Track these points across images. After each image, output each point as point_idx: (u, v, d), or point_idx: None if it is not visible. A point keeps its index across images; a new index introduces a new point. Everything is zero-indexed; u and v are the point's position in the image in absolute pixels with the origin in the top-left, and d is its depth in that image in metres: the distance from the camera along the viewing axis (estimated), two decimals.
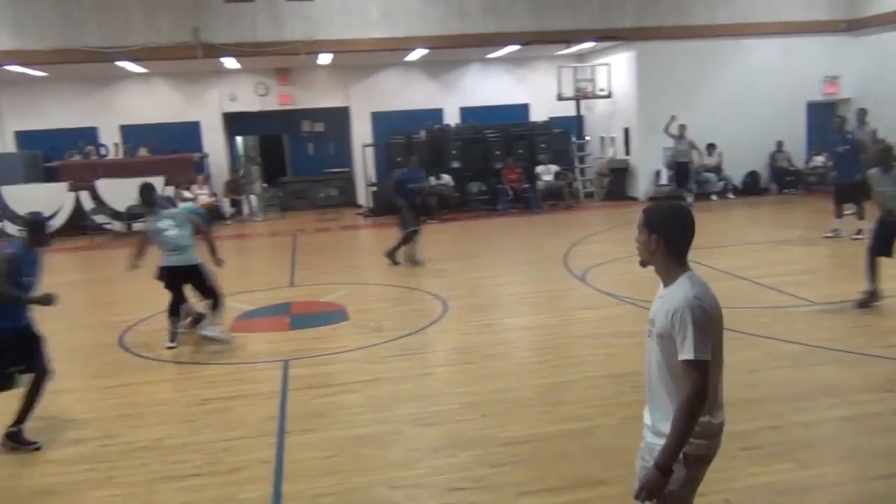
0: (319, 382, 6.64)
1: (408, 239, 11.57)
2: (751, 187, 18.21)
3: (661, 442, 2.75)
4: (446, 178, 17.65)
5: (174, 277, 7.70)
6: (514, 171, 17.79)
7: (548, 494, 4.48)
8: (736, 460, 4.68)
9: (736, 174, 18.14)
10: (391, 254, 11.58)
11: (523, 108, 20.51)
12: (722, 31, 17.16)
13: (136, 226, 17.08)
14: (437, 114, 19.99)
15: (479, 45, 17.01)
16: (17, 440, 5.49)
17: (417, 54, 17.75)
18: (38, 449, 5.46)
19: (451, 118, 20.09)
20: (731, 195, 17.90)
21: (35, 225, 5.62)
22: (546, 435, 5.28)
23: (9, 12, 14.25)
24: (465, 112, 20.20)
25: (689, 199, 16.91)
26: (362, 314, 8.96)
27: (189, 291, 7.94)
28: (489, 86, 20.34)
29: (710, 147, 17.75)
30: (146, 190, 7.78)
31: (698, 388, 2.67)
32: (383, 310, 9.27)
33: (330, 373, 6.99)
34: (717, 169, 17.96)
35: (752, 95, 17.76)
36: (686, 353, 2.68)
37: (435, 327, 8.33)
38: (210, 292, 7.75)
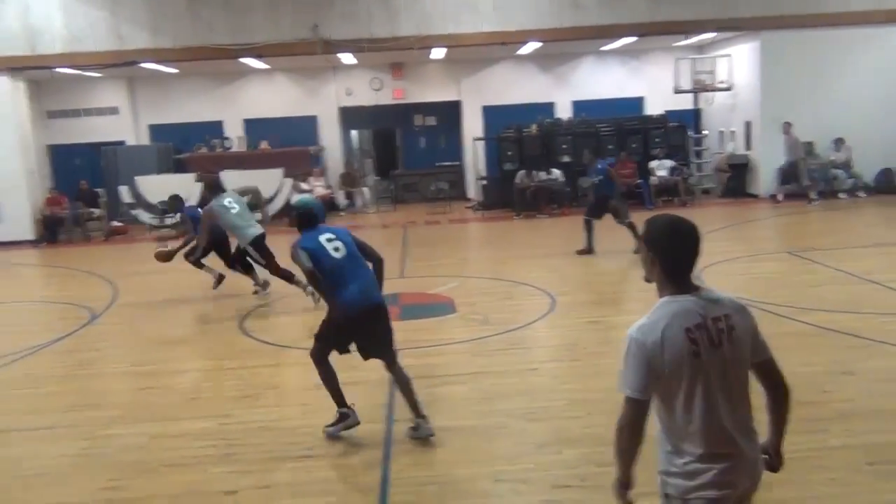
0: (426, 373, 6.73)
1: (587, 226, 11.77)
2: (884, 185, 17.03)
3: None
4: (557, 173, 17.47)
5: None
6: (627, 166, 17.40)
7: (654, 498, 4.33)
8: (861, 474, 4.42)
9: (868, 171, 17.03)
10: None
11: (638, 102, 20.01)
12: (855, 18, 16.10)
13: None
14: (548, 108, 19.81)
15: (594, 38, 16.70)
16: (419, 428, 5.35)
17: (530, 48, 17.64)
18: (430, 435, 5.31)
19: (563, 112, 19.87)
20: (861, 193, 16.82)
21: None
22: (654, 437, 5.14)
23: (147, 13, 15.27)
24: (578, 106, 19.89)
25: (813, 196, 16.11)
26: (470, 307, 9.02)
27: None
28: (603, 79, 19.95)
29: (838, 142, 16.76)
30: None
31: (623, 423, 2.55)
32: (491, 303, 9.28)
33: (436, 364, 7.07)
34: (846, 165, 16.93)
35: (887, 87, 16.61)
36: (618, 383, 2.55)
37: (542, 322, 8.28)
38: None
